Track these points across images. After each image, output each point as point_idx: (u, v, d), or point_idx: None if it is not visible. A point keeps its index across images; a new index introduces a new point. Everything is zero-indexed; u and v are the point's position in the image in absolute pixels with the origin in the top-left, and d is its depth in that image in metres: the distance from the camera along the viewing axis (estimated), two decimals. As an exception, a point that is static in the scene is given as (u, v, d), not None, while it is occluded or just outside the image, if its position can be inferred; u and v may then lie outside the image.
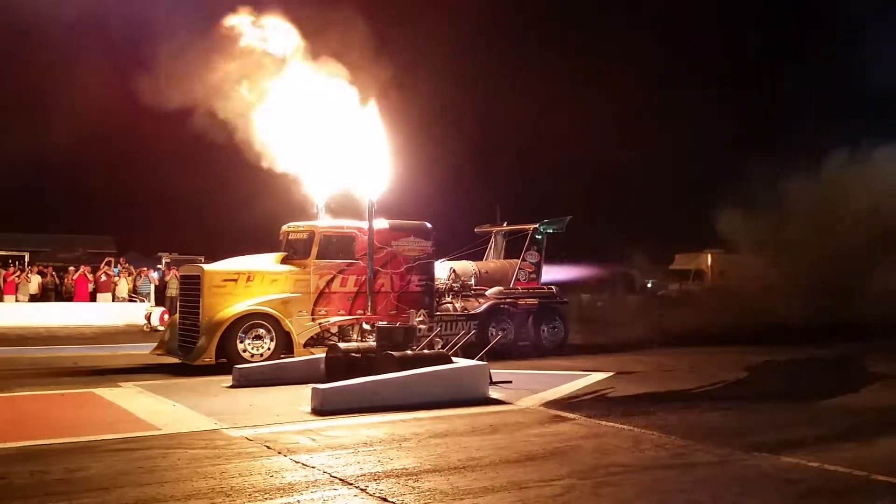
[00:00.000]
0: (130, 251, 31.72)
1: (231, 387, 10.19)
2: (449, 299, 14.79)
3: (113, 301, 23.96)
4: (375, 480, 5.63)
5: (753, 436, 7.36)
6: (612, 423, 7.80)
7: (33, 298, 23.70)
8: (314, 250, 12.91)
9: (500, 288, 15.26)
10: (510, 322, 14.91)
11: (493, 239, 17.05)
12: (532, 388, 10.18)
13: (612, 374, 11.74)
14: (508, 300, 15.13)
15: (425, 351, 10.05)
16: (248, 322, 12.16)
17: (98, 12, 12.19)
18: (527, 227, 16.26)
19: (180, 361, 12.31)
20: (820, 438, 7.31)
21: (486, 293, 15.07)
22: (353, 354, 10.07)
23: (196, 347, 12.00)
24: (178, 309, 13.11)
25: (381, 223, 13.30)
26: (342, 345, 10.74)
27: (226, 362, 11.71)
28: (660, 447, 6.83)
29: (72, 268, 25.28)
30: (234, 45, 12.64)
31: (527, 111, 32.59)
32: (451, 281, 15.03)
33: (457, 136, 31.43)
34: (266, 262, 13.00)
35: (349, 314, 12.92)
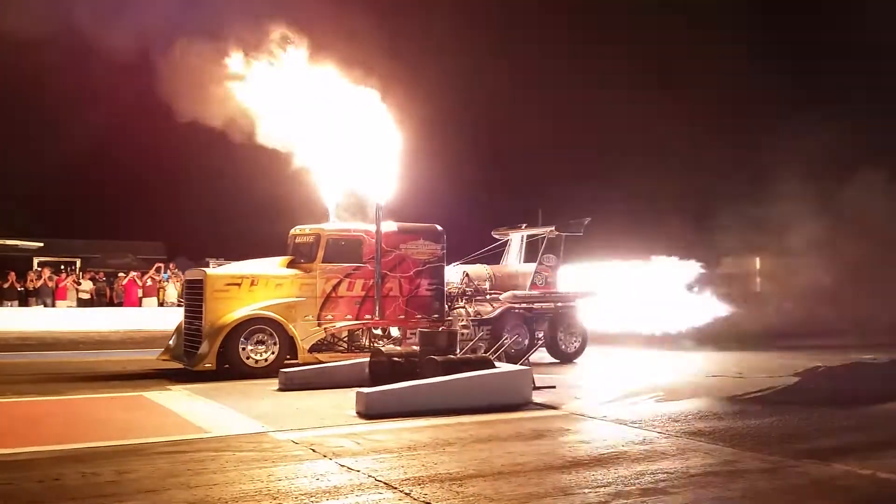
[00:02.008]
0: (180, 256, 32.28)
1: (277, 390, 10.31)
2: (462, 304, 14.43)
3: (161, 306, 24.42)
4: (419, 485, 5.64)
5: (803, 442, 7.21)
6: (658, 431, 7.71)
7: (85, 304, 24.25)
8: (320, 253, 12.65)
9: (515, 292, 14.81)
10: (525, 328, 14.42)
11: (510, 242, 16.64)
12: (576, 393, 10.11)
13: (659, 380, 11.59)
14: (523, 305, 14.71)
15: (468, 355, 10.07)
16: (251, 327, 11.92)
17: (142, 21, 12.41)
18: (544, 229, 15.80)
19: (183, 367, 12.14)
20: (871, 445, 7.14)
21: (500, 297, 14.63)
22: (396, 359, 10.14)
23: (198, 353, 11.82)
24: (183, 314, 12.98)
25: (390, 225, 13.12)
26: (385, 349, 10.81)
27: (229, 368, 11.66)
28: (707, 454, 6.73)
29: (122, 273, 25.84)
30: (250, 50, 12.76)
31: (552, 110, 32.24)
32: (463, 285, 14.68)
33: (479, 137, 31.34)
34: (271, 266, 12.81)
35: (356, 319, 12.76)
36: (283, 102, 12.92)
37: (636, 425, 7.99)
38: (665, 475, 6.01)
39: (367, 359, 10.63)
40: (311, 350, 12.37)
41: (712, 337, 17.12)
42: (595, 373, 13.11)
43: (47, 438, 7.22)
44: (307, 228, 13.21)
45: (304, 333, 12.30)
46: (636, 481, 5.81)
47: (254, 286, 12.28)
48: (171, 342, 13.09)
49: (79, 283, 24.71)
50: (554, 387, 10.31)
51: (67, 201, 33.59)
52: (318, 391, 10.04)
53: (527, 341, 14.24)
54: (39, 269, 26.15)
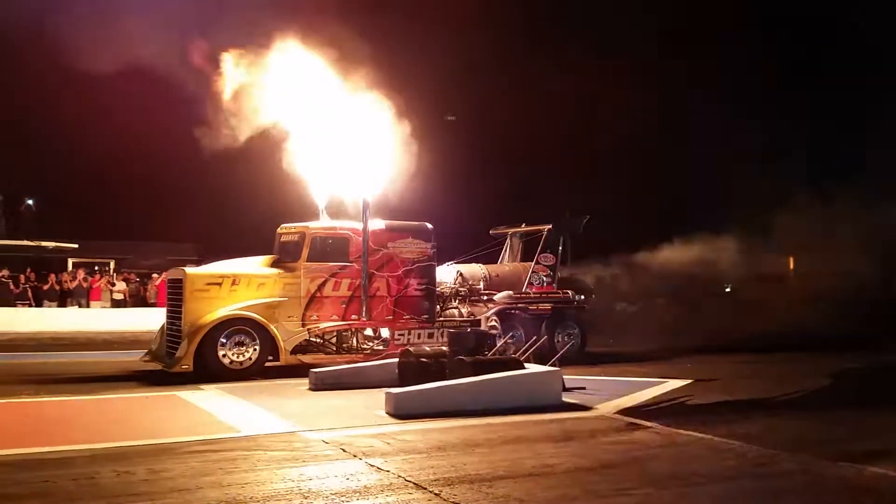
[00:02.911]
0: (210, 257, 32.57)
1: (307, 390, 10.37)
2: (455, 304, 14.17)
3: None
4: (449, 485, 5.63)
5: (837, 445, 7.10)
6: (690, 432, 7.61)
7: (119, 304, 24.59)
8: (305, 252, 12.34)
9: (510, 292, 14.50)
10: (520, 328, 13.84)
11: (508, 241, 16.33)
12: (606, 394, 10.03)
13: (689, 381, 11.47)
14: (518, 305, 14.37)
15: (497, 356, 10.04)
16: (230, 328, 11.62)
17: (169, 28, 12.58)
18: (541, 227, 15.51)
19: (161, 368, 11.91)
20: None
21: (495, 298, 14.35)
22: (425, 359, 10.13)
23: (175, 354, 11.58)
24: (165, 314, 12.69)
25: (378, 223, 12.89)
26: (414, 349, 10.80)
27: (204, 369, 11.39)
28: (741, 456, 6.64)
29: (155, 274, 26.17)
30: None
31: (552, 104, 32.01)
32: (457, 285, 14.41)
33: (477, 134, 31.16)
34: (254, 265, 12.48)
35: (343, 319, 12.44)
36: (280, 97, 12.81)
37: (668, 426, 7.90)
38: (698, 477, 5.94)
39: (397, 359, 10.64)
40: (294, 351, 12.05)
41: (745, 337, 16.92)
42: (618, 373, 13.01)
43: (82, 437, 7.33)
44: (292, 227, 12.92)
45: (287, 334, 11.97)
46: (669, 483, 5.75)
47: (235, 286, 11.96)
48: (154, 343, 12.83)
49: (113, 284, 25.07)
50: (584, 388, 10.25)
51: (101, 203, 34.09)
52: (348, 391, 10.07)
53: (522, 343, 13.88)
54: (74, 270, 26.58)
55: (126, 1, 12.67)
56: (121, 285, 25.23)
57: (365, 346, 12.86)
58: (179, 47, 12.60)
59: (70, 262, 29.03)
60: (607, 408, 9.08)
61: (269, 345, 11.84)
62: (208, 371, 11.36)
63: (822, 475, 6.07)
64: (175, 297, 12.17)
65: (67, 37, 12.38)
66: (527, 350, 10.56)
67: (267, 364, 11.85)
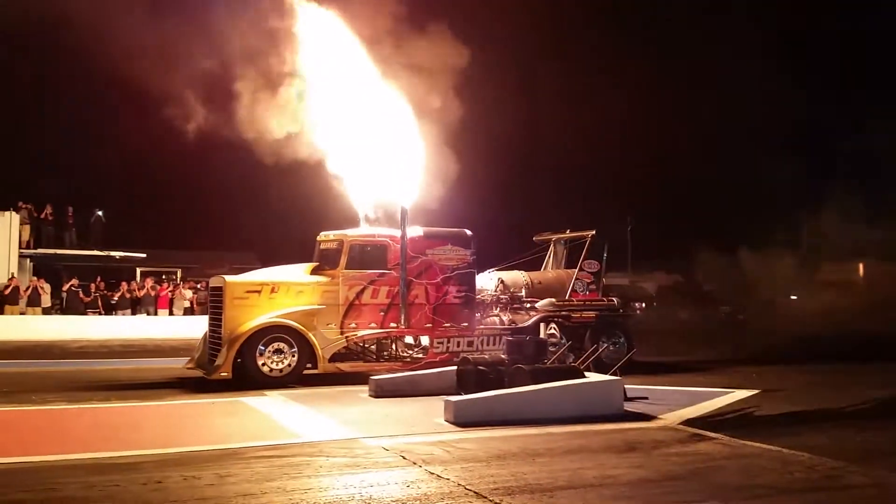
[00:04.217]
0: (273, 265, 33.11)
1: (367, 397, 10.45)
2: (496, 312, 13.94)
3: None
4: (509, 494, 5.61)
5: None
6: (757, 444, 7.42)
7: (187, 312, 25.16)
8: (343, 260, 12.27)
9: (553, 300, 14.13)
10: (563, 337, 13.57)
11: (552, 247, 16.02)
12: (669, 404, 9.85)
13: (756, 391, 11.18)
14: (561, 313, 14.04)
15: (557, 364, 9.97)
16: (269, 335, 11.63)
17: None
18: (585, 233, 15.14)
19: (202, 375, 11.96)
20: None
21: (537, 305, 14.02)
22: (483, 367, 10.11)
23: (215, 362, 11.65)
24: (207, 322, 12.73)
25: (416, 230, 12.78)
26: (472, 357, 10.77)
27: (244, 377, 11.45)
28: (810, 469, 6.46)
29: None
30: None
31: (599, 112, 31.67)
32: (498, 292, 14.20)
33: (528, 143, 30.92)
34: (293, 273, 12.46)
35: (381, 327, 12.35)
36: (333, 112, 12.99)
37: (734, 437, 7.73)
38: (765, 490, 5.80)
39: (455, 367, 10.65)
40: (333, 359, 12.01)
41: (812, 346, 16.46)
42: (682, 383, 12.77)
43: (150, 442, 7.53)
44: (331, 234, 12.89)
45: (325, 342, 11.92)
46: (735, 496, 5.63)
47: (274, 293, 11.97)
48: (196, 351, 12.92)
49: (180, 293, 25.69)
50: (647, 398, 10.09)
51: (168, 213, 35.05)
52: (408, 398, 10.12)
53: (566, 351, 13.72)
54: (142, 279, 27.34)
55: (189, 18, 13.00)
56: (187, 293, 25.84)
57: (404, 354, 12.80)
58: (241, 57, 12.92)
59: (138, 271, 29.85)
60: (671, 418, 8.92)
61: (308, 352, 11.83)
62: (248, 379, 11.41)
63: (894, 488, 5.86)
64: (216, 305, 12.26)
65: (133, 52, 12.79)
66: (587, 359, 10.47)
67: (305, 372, 11.89)
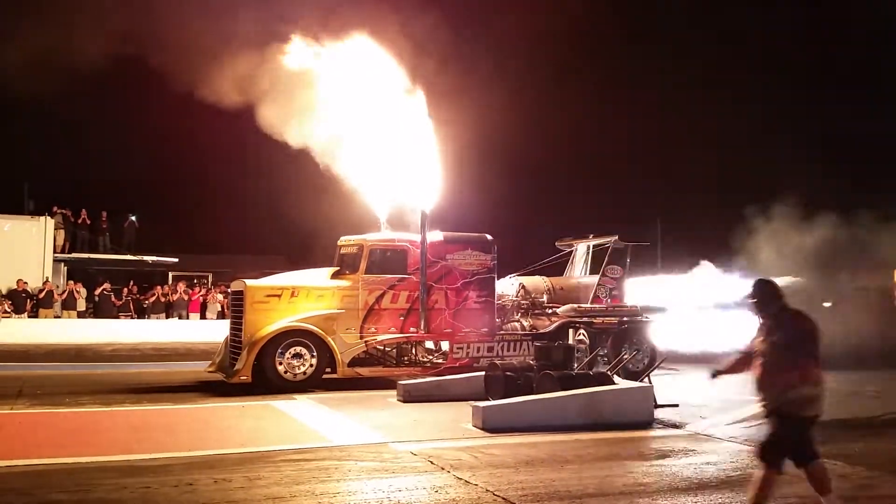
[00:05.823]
0: (301, 268, 33.27)
1: (396, 401, 10.47)
2: (517, 317, 13.78)
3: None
4: (538, 501, 5.59)
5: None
6: (789, 452, 7.31)
7: (219, 316, 25.35)
8: (363, 264, 12.27)
9: (574, 305, 13.98)
10: (584, 343, 13.40)
11: (574, 253, 15.85)
12: (700, 412, 9.76)
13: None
14: (583, 319, 13.73)
15: (586, 371, 9.91)
16: (288, 339, 11.63)
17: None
18: (608, 239, 14.94)
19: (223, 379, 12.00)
20: None
21: (558, 311, 13.83)
22: (511, 373, 10.08)
23: (235, 366, 11.66)
24: (229, 326, 12.82)
25: (436, 235, 12.74)
26: (500, 362, 10.74)
27: (264, 380, 11.48)
28: (843, 478, 6.36)
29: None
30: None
31: (622, 115, 31.46)
32: (519, 297, 14.04)
33: (551, 146, 30.75)
34: (314, 277, 12.48)
35: (400, 332, 12.32)
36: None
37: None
38: (797, 499, 5.73)
39: (483, 373, 10.63)
40: (352, 364, 12.00)
41: (844, 353, 16.15)
42: (713, 391, 12.61)
43: (181, 445, 7.62)
44: (352, 239, 12.89)
45: (344, 346, 11.92)
46: (766, 505, 5.54)
47: (294, 297, 11.98)
48: (217, 354, 12.98)
49: (212, 297, 25.91)
50: (677, 405, 9.96)
51: (199, 218, 35.38)
52: (436, 403, 10.12)
53: (587, 358, 13.28)
54: (174, 283, 27.63)
55: (222, 23, 13.16)
56: (219, 297, 26.07)
57: (424, 360, 12.76)
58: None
59: (170, 275, 30.17)
60: (701, 426, 8.84)
61: (327, 357, 11.85)
62: (267, 382, 11.46)
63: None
64: (237, 309, 12.33)
65: (166, 57, 12.96)
66: (615, 365, 10.40)
67: (324, 376, 11.90)
